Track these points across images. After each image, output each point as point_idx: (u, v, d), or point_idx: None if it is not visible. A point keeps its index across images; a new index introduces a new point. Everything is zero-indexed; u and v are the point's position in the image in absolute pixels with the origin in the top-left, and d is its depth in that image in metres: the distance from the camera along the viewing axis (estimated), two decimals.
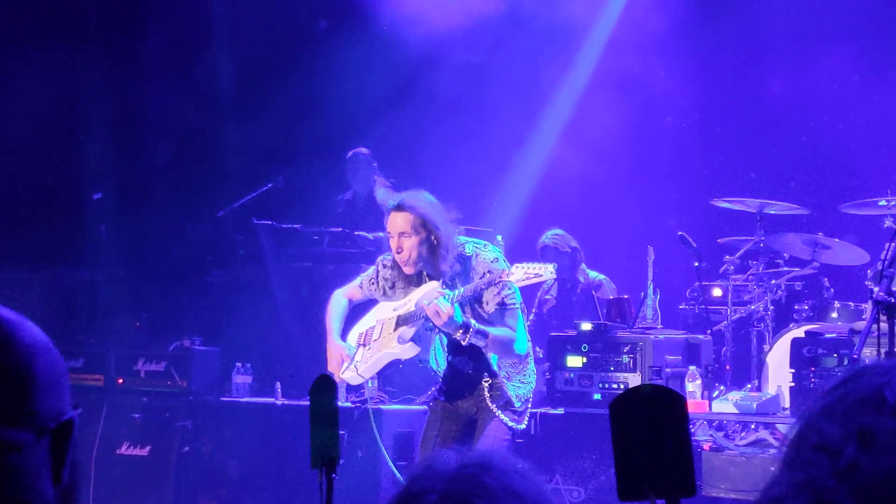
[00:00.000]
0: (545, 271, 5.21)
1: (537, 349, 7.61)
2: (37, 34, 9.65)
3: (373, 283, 5.78)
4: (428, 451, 5.63)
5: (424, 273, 5.55)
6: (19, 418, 1.33)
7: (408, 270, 5.52)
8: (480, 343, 5.38)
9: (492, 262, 5.44)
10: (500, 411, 5.50)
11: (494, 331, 5.38)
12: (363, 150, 9.25)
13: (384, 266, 5.72)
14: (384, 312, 5.74)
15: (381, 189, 5.69)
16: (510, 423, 5.51)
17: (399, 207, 5.46)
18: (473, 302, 5.43)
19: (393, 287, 5.70)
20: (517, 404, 5.54)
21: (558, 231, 8.55)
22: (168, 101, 9.92)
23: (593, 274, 8.70)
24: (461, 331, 5.31)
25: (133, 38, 10.12)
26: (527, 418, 5.66)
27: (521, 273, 5.23)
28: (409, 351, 5.63)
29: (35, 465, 1.34)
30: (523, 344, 5.54)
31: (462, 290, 5.35)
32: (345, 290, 5.96)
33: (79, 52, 9.78)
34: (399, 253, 5.46)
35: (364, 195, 9.22)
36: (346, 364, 5.77)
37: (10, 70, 9.54)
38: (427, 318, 5.38)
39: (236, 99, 9.99)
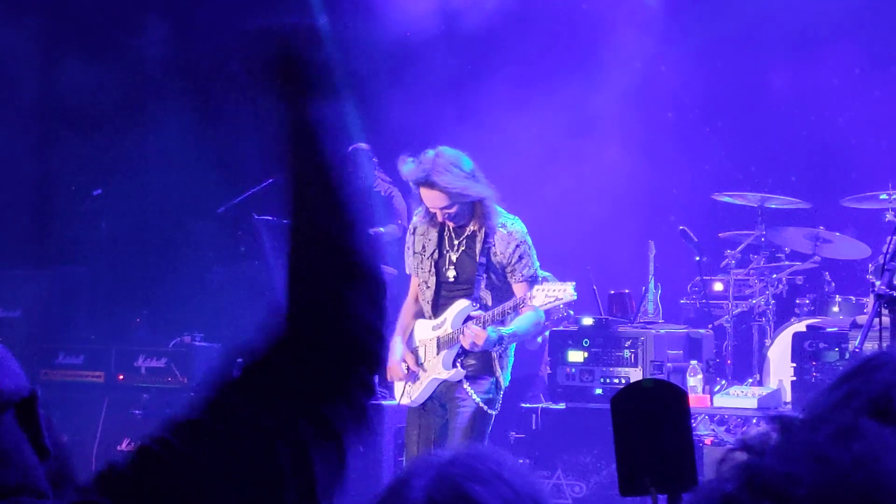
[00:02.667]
0: (565, 293, 5.15)
1: None
2: (36, 33, 9.63)
3: (407, 259, 5.64)
4: (412, 450, 5.55)
5: (448, 225, 5.43)
6: None
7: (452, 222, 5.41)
8: (515, 341, 5.41)
9: (525, 233, 5.44)
10: (477, 395, 5.39)
11: (522, 325, 5.37)
12: (363, 145, 9.22)
13: (414, 227, 5.61)
14: (423, 332, 5.58)
15: (404, 164, 5.37)
16: (487, 409, 5.40)
17: (430, 185, 5.26)
18: (500, 270, 5.39)
19: (413, 232, 5.57)
20: (499, 393, 5.44)
21: None
22: (167, 99, 9.90)
23: None
24: (497, 345, 5.31)
25: (130, 35, 10.10)
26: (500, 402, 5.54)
27: (542, 297, 5.16)
28: (456, 374, 5.45)
29: (7, 435, 1.43)
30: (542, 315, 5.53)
31: (492, 312, 5.30)
32: (410, 294, 5.75)
33: (77, 48, 9.76)
34: (446, 218, 5.36)
35: (364, 191, 9.20)
36: (402, 388, 5.62)
37: (8, 68, 9.53)
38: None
39: (235, 97, 9.96)
